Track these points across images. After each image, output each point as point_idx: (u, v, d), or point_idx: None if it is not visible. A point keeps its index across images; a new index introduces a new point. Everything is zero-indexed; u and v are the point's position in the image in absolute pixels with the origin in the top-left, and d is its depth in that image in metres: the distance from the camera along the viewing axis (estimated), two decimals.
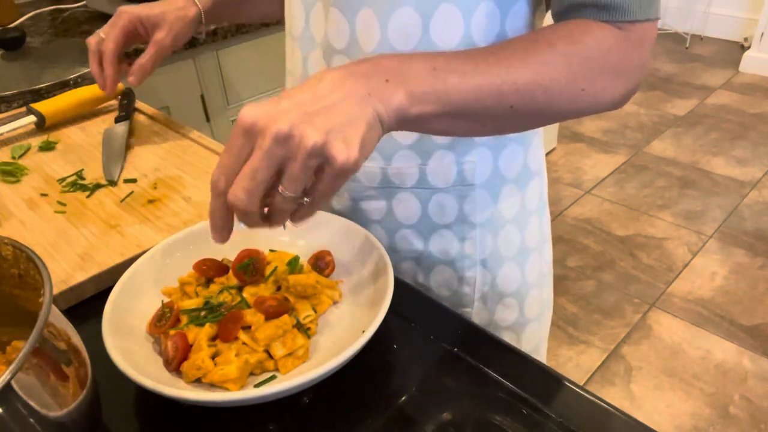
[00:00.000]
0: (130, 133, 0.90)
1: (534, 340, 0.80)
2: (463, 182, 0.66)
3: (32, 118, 0.90)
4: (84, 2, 1.57)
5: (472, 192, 0.66)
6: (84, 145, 0.87)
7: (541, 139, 0.71)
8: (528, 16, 0.61)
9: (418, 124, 0.47)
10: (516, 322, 0.75)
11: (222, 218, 0.43)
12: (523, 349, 0.77)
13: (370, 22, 0.58)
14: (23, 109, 0.93)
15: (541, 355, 0.83)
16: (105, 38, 0.77)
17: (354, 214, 0.70)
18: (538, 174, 0.72)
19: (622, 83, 0.53)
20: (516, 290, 0.73)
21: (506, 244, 0.70)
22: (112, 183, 0.77)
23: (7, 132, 0.88)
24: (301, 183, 0.42)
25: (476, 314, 0.73)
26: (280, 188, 0.42)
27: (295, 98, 0.42)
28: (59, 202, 0.73)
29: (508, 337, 0.76)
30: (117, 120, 0.91)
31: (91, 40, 0.78)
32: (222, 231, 0.44)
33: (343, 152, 0.41)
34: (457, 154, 0.64)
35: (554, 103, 0.51)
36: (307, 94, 0.42)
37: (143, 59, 0.78)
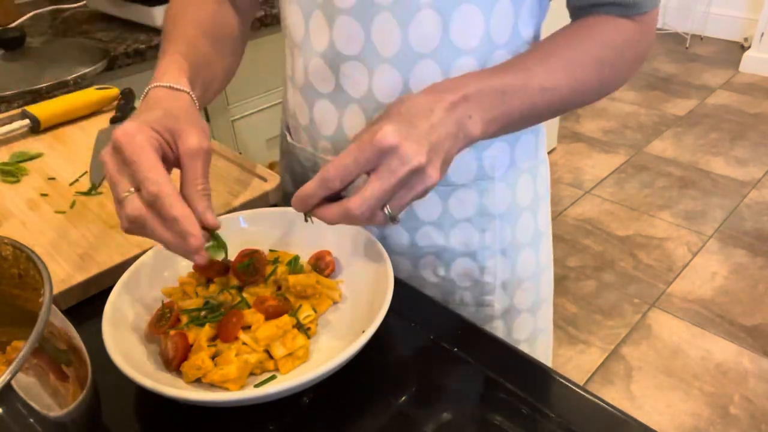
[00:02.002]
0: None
1: (546, 319, 0.82)
2: (483, 176, 0.67)
3: (27, 122, 0.89)
4: (84, 2, 1.57)
5: (492, 185, 0.67)
6: (83, 145, 0.87)
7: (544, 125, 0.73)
8: (538, 10, 0.62)
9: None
10: (533, 304, 0.77)
11: (312, 205, 0.48)
12: (537, 328, 0.79)
13: (388, 28, 0.58)
14: (19, 110, 0.92)
15: (550, 333, 0.85)
16: (148, 181, 0.46)
17: None
18: (544, 161, 0.74)
19: (635, 68, 0.61)
20: (532, 274, 0.75)
21: (523, 231, 0.72)
22: (93, 188, 0.75)
23: (1, 135, 0.88)
24: (405, 208, 0.48)
25: (498, 301, 0.74)
26: (387, 209, 0.47)
27: (421, 127, 0.46)
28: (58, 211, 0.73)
29: (525, 319, 0.77)
30: (112, 121, 0.91)
31: (133, 204, 0.47)
32: (306, 209, 0.49)
33: (429, 192, 0.49)
34: (477, 150, 0.65)
35: (585, 101, 0.59)
36: (427, 122, 0.47)
37: (198, 186, 0.50)
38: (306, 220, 0.51)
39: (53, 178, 0.79)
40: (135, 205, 0.47)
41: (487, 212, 0.68)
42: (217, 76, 0.66)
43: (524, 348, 0.78)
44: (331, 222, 0.48)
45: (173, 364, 0.50)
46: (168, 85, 0.55)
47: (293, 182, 0.80)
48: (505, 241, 0.71)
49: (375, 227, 0.70)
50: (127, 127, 0.48)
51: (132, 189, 0.47)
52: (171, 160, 0.52)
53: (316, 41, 0.63)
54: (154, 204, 0.47)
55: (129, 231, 0.49)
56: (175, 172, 0.52)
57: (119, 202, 0.48)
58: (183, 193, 0.49)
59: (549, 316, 0.82)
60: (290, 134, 0.76)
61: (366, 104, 0.63)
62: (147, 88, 0.56)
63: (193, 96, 0.56)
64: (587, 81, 0.57)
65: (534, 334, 0.80)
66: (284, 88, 0.75)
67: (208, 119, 1.50)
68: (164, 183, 0.47)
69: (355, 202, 0.45)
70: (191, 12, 0.66)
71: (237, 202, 0.71)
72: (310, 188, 0.47)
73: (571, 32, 0.58)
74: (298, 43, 0.66)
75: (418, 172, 0.45)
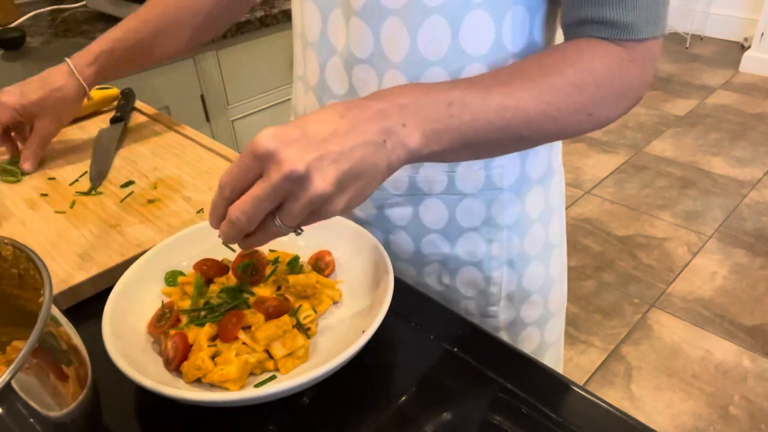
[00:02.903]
0: (126, 133, 0.90)
1: (555, 333, 0.80)
2: (492, 186, 0.65)
3: None
4: (84, 2, 1.57)
5: (500, 195, 0.66)
6: (84, 145, 0.87)
7: None
8: (554, 17, 0.61)
9: (426, 159, 0.48)
10: (540, 317, 0.76)
11: (220, 215, 0.45)
12: (545, 342, 0.78)
13: (397, 32, 0.57)
14: None
15: (560, 346, 0.84)
16: None
17: (378, 221, 0.70)
18: (558, 171, 0.73)
19: (625, 103, 0.54)
20: (540, 287, 0.74)
21: (532, 243, 0.71)
22: (93, 188, 0.76)
23: None
24: (298, 220, 0.43)
25: (502, 312, 0.73)
26: (277, 220, 0.43)
27: (314, 133, 0.42)
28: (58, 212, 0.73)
29: (532, 332, 0.76)
30: (112, 120, 0.91)
31: None
32: (217, 223, 0.45)
33: (339, 206, 0.43)
34: (485, 160, 0.64)
35: (562, 129, 0.52)
36: (327, 128, 0.42)
37: (32, 146, 0.78)
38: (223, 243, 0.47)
39: (53, 178, 0.79)
40: None
41: (495, 223, 0.67)
42: (150, 56, 0.82)
43: None
44: (224, 234, 0.44)
45: (173, 364, 0.50)
46: (73, 68, 0.78)
47: None
48: (512, 253, 0.70)
49: (380, 231, 0.70)
50: (4, 97, 0.76)
51: None
52: (23, 125, 0.79)
53: (335, 40, 0.62)
54: None
55: None
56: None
57: None
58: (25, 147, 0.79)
59: (559, 330, 0.81)
60: None
61: None
62: (65, 58, 0.79)
63: (85, 86, 0.79)
64: (560, 106, 0.50)
65: (541, 348, 0.79)
66: (294, 88, 0.75)
67: (208, 119, 1.50)
68: None
69: (233, 207, 0.42)
70: None
71: None
72: (213, 198, 0.44)
73: (547, 53, 0.53)
74: (312, 43, 0.65)
75: (297, 180, 0.40)
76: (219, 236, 0.45)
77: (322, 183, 0.41)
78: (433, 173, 0.64)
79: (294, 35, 0.70)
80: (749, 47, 3.62)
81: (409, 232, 0.69)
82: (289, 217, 0.42)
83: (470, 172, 0.64)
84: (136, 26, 0.79)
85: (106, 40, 0.79)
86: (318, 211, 0.43)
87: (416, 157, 0.46)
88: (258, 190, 0.41)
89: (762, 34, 3.47)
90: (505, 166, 0.65)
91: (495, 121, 0.48)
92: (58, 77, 0.77)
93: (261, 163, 0.41)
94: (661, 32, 0.52)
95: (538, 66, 0.51)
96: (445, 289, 0.72)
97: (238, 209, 0.42)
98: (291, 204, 0.42)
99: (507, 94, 0.49)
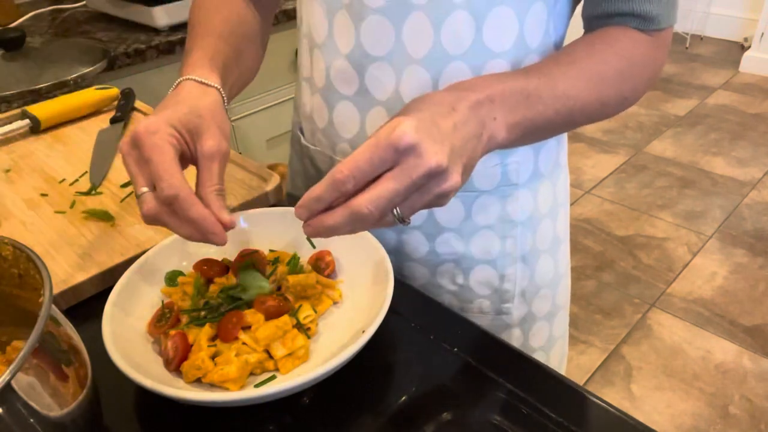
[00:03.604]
0: (126, 133, 0.90)
1: (562, 327, 0.81)
2: (507, 182, 0.66)
3: (27, 122, 0.89)
4: (84, 2, 1.57)
5: (515, 191, 0.67)
6: (84, 145, 0.87)
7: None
8: (568, 14, 0.62)
9: (499, 149, 0.50)
10: (549, 311, 0.76)
11: (318, 210, 0.43)
12: (553, 336, 0.79)
13: (420, 28, 0.57)
14: (19, 110, 0.92)
15: (566, 340, 0.85)
16: (164, 183, 0.47)
17: None
18: (564, 167, 0.73)
19: (649, 86, 0.58)
20: (550, 282, 0.74)
21: (542, 238, 0.71)
22: (93, 188, 0.75)
23: (1, 135, 0.87)
24: (416, 212, 0.43)
25: (516, 308, 0.73)
26: (397, 211, 0.42)
27: (444, 126, 0.42)
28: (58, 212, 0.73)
29: (542, 327, 0.77)
30: (112, 121, 0.91)
31: (149, 204, 0.48)
32: (310, 216, 0.43)
33: (450, 199, 0.44)
34: (501, 156, 0.64)
35: (604, 114, 0.57)
36: (449, 121, 0.43)
37: (213, 188, 0.49)
38: (312, 245, 0.52)
39: (53, 178, 0.79)
40: (151, 205, 0.48)
41: (510, 219, 0.67)
42: (244, 73, 0.66)
43: (540, 355, 0.77)
44: (335, 227, 0.42)
45: (173, 364, 0.50)
46: (199, 80, 0.55)
47: (306, 184, 0.78)
48: (525, 248, 0.70)
49: (393, 231, 0.69)
50: (149, 122, 0.49)
51: (146, 188, 0.48)
52: (188, 157, 0.52)
53: (341, 42, 0.62)
54: (171, 205, 0.47)
55: (148, 223, 0.50)
56: (192, 169, 0.52)
57: (137, 197, 0.49)
58: (198, 193, 0.49)
59: (565, 323, 0.82)
60: (304, 136, 0.74)
61: (392, 106, 0.61)
62: (179, 79, 0.56)
63: (222, 93, 0.56)
64: (608, 92, 0.55)
65: (550, 342, 0.79)
66: (298, 89, 0.74)
67: None
68: (180, 186, 0.47)
69: (363, 200, 0.40)
70: (220, 7, 0.66)
71: (237, 202, 0.71)
72: (320, 191, 0.42)
73: (591, 42, 0.56)
74: (320, 44, 0.64)
75: (437, 174, 0.41)
76: (307, 228, 0.44)
77: (457, 177, 0.42)
78: None
79: (299, 35, 0.69)
80: (749, 47, 3.62)
81: (424, 232, 0.68)
82: (411, 209, 0.42)
83: (487, 168, 0.64)
84: (217, 40, 0.62)
85: (199, 51, 0.60)
86: (431, 202, 0.43)
87: (496, 148, 0.48)
88: (396, 183, 0.40)
89: (762, 34, 3.47)
90: (521, 161, 0.65)
91: (561, 110, 0.52)
92: (189, 88, 0.54)
93: (399, 155, 0.40)
94: (675, 20, 0.56)
95: (588, 54, 0.55)
96: (458, 289, 0.71)
97: (371, 203, 0.40)
98: (418, 196, 0.42)
99: (569, 84, 0.52)
